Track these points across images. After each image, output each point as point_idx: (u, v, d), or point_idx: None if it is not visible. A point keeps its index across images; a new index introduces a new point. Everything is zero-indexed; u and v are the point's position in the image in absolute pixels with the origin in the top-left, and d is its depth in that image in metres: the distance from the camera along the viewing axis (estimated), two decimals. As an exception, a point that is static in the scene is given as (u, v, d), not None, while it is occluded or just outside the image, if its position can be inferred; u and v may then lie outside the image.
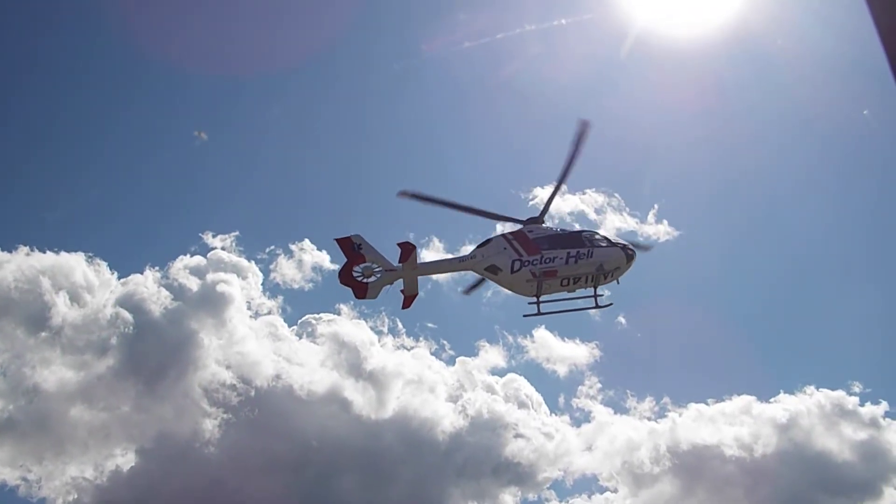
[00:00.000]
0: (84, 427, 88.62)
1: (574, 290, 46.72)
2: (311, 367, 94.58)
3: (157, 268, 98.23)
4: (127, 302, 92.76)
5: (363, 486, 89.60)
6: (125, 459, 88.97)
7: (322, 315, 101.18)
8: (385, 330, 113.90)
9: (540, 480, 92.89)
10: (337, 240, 48.40)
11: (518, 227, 47.82)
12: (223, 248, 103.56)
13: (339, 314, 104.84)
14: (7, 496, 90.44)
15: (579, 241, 46.49)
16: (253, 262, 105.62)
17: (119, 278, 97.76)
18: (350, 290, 47.59)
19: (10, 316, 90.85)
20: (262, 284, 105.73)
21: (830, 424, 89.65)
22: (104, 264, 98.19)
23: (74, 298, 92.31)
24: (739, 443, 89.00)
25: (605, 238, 46.85)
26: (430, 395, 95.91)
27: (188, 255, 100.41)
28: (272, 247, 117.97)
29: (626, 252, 46.47)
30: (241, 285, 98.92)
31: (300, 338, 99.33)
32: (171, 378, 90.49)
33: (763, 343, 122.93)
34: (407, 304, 47.83)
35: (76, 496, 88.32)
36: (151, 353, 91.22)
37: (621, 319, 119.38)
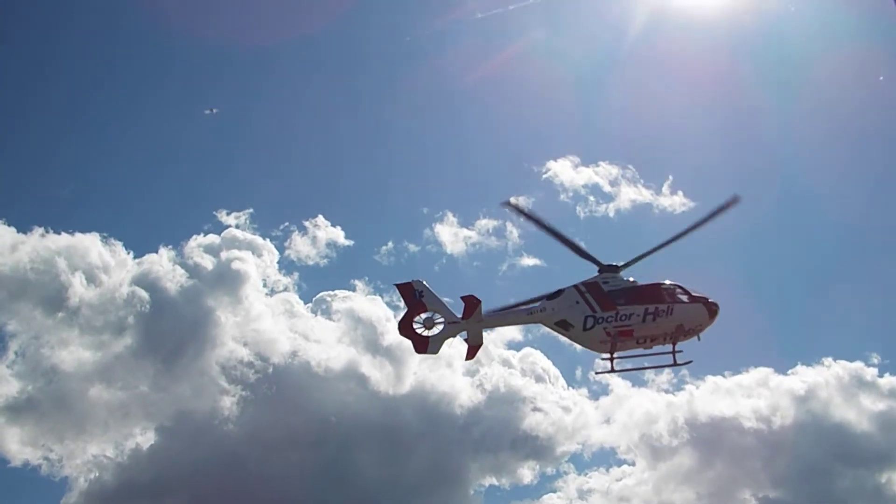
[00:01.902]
0: (103, 406, 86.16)
1: (651, 347, 42.55)
2: (328, 343, 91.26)
3: (171, 247, 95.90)
4: (143, 281, 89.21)
5: (381, 462, 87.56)
6: (145, 438, 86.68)
7: (337, 292, 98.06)
8: (401, 305, 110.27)
9: (558, 454, 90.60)
10: (397, 285, 43.97)
11: (593, 273, 43.31)
12: (237, 226, 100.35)
13: (354, 290, 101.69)
14: (30, 475, 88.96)
15: (658, 296, 41.97)
16: (268, 239, 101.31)
17: (134, 258, 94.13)
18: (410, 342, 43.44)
19: (27, 297, 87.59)
20: (278, 263, 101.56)
21: (849, 396, 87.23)
22: (119, 244, 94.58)
23: (90, 279, 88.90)
24: (757, 415, 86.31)
25: (686, 291, 42.36)
26: (448, 370, 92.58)
27: (202, 235, 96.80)
28: (286, 223, 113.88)
29: (708, 308, 42.08)
30: (257, 263, 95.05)
31: (316, 315, 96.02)
32: (189, 356, 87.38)
33: (780, 315, 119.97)
34: (471, 355, 43.50)
35: (97, 474, 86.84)
36: (168, 331, 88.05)
37: None
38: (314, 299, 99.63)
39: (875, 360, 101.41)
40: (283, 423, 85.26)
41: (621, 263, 43.18)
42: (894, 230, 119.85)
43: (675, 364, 42.28)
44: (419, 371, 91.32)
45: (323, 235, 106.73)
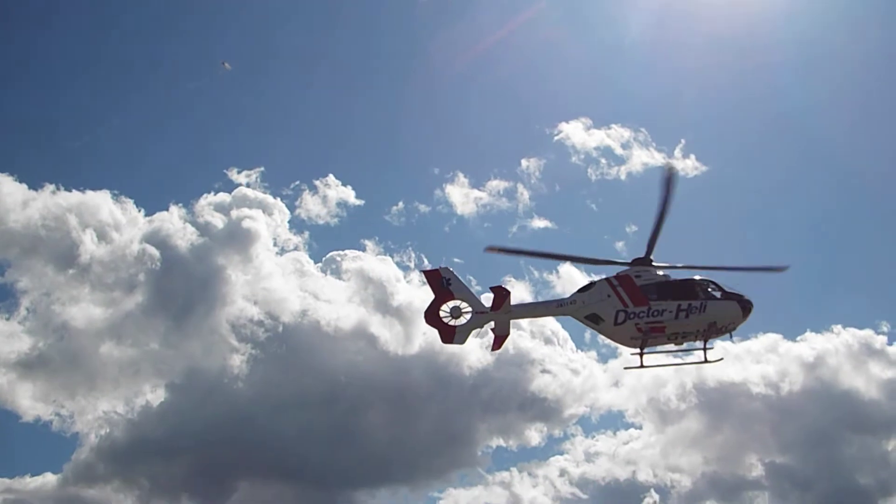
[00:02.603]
0: (114, 363, 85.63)
1: (681, 344, 41.21)
2: (338, 303, 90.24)
3: (181, 205, 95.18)
4: (153, 238, 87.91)
5: (390, 421, 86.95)
6: (155, 395, 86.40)
7: (347, 252, 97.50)
8: (411, 265, 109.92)
9: (566, 416, 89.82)
10: (424, 272, 42.73)
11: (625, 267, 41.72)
12: (248, 185, 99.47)
13: (364, 250, 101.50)
14: (41, 430, 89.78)
15: (692, 292, 40.36)
16: (278, 198, 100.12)
17: (145, 216, 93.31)
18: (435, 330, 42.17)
19: (38, 254, 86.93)
20: (289, 222, 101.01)
21: (858, 363, 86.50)
22: (130, 201, 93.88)
23: (101, 236, 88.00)
24: (766, 381, 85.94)
25: (720, 288, 40.81)
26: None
27: (213, 193, 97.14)
28: (297, 182, 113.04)
29: (742, 305, 40.50)
30: (267, 222, 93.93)
31: (326, 274, 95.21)
32: (199, 314, 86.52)
33: (790, 281, 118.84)
34: (497, 345, 42.19)
35: (108, 430, 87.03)
36: (179, 289, 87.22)
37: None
38: (324, 259, 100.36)
39: (884, 328, 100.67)
40: (293, 382, 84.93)
41: (654, 259, 41.51)
42: None
43: (706, 361, 40.89)
44: (428, 332, 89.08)
45: (333, 195, 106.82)
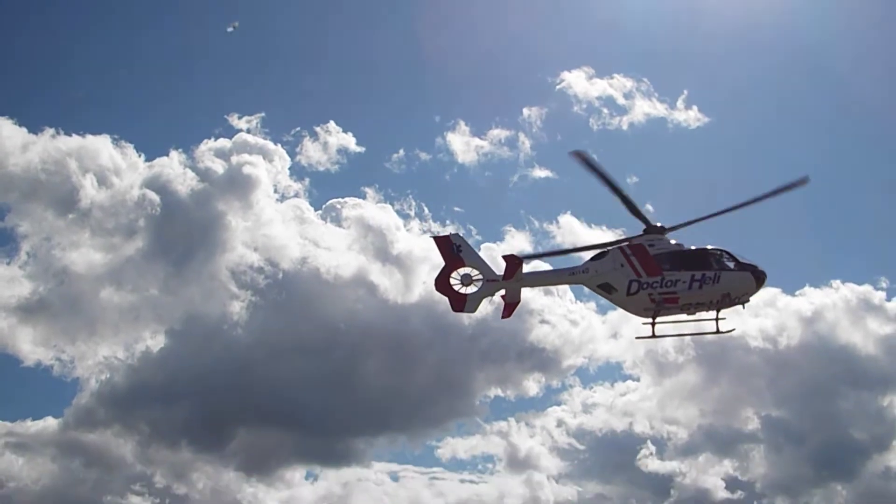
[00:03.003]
0: (114, 309, 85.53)
1: (694, 314, 40.57)
2: (338, 250, 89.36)
3: (181, 150, 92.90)
4: (153, 184, 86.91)
5: (389, 369, 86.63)
6: (155, 341, 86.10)
7: (347, 199, 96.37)
8: (412, 214, 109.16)
9: (564, 367, 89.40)
10: (434, 238, 41.68)
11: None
12: (248, 131, 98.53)
13: (364, 198, 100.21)
14: (42, 375, 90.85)
15: (706, 262, 39.62)
16: (279, 144, 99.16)
17: (145, 161, 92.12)
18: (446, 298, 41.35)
19: (38, 198, 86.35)
20: (289, 169, 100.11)
21: (856, 318, 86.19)
22: (130, 146, 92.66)
23: (101, 181, 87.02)
24: (764, 334, 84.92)
25: (734, 258, 40.05)
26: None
27: (213, 139, 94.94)
28: (298, 128, 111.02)
29: (756, 276, 39.81)
30: (268, 168, 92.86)
31: (325, 221, 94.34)
32: (199, 260, 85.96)
33: (790, 235, 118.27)
34: (507, 313, 41.56)
35: (108, 375, 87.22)
36: (179, 235, 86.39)
37: (649, 207, 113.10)
38: (324, 206, 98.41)
39: (883, 284, 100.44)
40: (292, 329, 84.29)
41: (668, 226, 40.69)
42: None
43: (717, 332, 40.36)
44: (428, 280, 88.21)
45: (334, 142, 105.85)
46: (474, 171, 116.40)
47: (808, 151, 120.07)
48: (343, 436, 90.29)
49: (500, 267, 40.86)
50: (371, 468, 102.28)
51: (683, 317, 40.77)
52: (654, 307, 39.60)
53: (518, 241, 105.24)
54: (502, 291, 40.84)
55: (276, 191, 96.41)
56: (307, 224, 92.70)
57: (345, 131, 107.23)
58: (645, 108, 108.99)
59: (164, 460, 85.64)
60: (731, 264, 39.80)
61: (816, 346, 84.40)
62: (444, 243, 41.00)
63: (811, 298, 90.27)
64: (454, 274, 40.78)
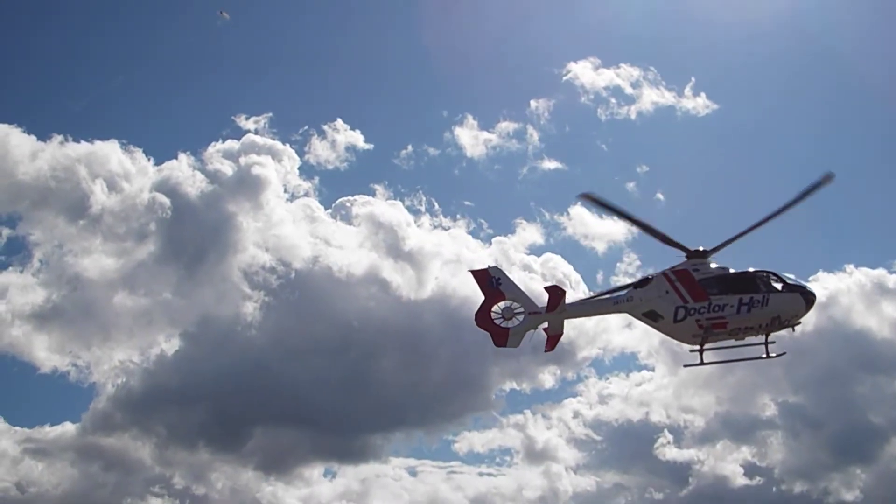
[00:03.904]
0: (128, 313, 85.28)
1: (743, 339, 38.86)
2: (349, 248, 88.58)
3: (190, 153, 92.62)
4: (163, 187, 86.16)
5: (404, 366, 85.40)
6: (170, 344, 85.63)
7: (357, 197, 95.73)
8: (422, 209, 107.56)
9: (579, 359, 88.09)
10: (472, 272, 39.94)
11: (681, 260, 39.10)
12: (256, 131, 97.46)
13: (374, 195, 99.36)
14: (58, 381, 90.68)
15: (753, 285, 37.91)
16: (287, 144, 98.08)
17: (155, 165, 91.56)
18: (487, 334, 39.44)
19: (48, 206, 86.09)
20: (298, 168, 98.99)
21: (870, 303, 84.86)
22: (139, 150, 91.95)
23: (111, 186, 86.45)
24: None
25: (781, 279, 38.31)
26: (469, 275, 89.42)
27: (221, 141, 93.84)
28: (305, 127, 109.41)
29: (805, 298, 38.05)
30: (276, 168, 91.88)
31: (336, 220, 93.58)
32: (211, 262, 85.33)
33: (803, 221, 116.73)
34: (551, 346, 39.65)
35: (124, 380, 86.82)
36: (190, 237, 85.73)
37: (660, 196, 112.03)
38: (334, 205, 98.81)
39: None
40: (306, 328, 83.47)
41: (709, 249, 39.03)
42: None
43: (767, 356, 38.61)
44: (441, 276, 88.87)
45: (342, 139, 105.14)
46: (483, 165, 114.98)
47: (818, 136, 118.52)
48: (360, 432, 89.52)
49: (540, 298, 39.12)
50: (389, 464, 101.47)
51: (731, 342, 38.99)
52: (702, 333, 37.87)
53: (529, 234, 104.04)
54: (545, 324, 38.86)
55: (285, 190, 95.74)
56: (318, 223, 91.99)
57: (352, 129, 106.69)
58: (653, 96, 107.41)
59: (182, 462, 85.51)
60: (779, 286, 38.16)
61: (832, 331, 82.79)
62: (482, 277, 39.32)
63: (825, 283, 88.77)
64: (495, 308, 38.87)
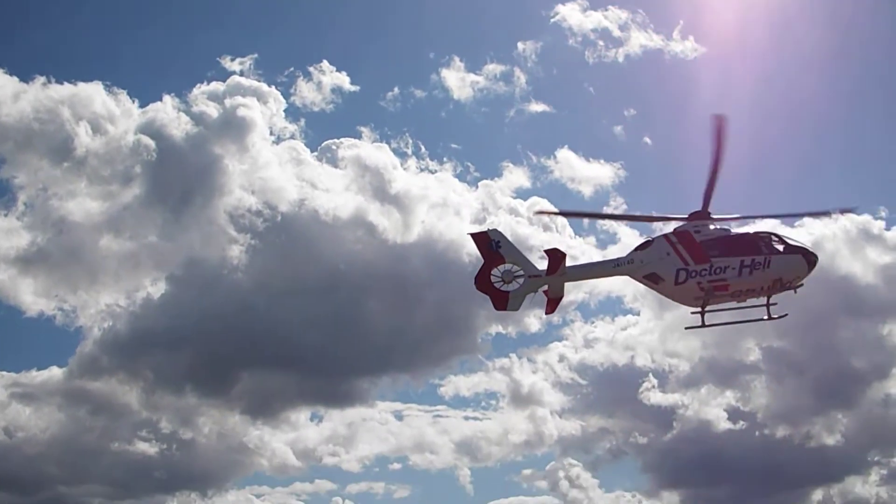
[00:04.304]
0: (114, 257, 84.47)
1: (744, 301, 38.35)
2: (336, 191, 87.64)
3: (174, 94, 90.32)
4: (148, 129, 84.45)
5: (391, 309, 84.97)
6: (156, 287, 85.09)
7: (343, 140, 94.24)
8: (409, 152, 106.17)
9: (564, 303, 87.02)
10: (472, 235, 39.05)
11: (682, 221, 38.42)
12: (241, 73, 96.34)
13: (360, 138, 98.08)
14: (45, 325, 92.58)
15: (755, 247, 37.32)
16: (273, 86, 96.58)
17: (139, 107, 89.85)
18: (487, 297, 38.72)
19: (32, 148, 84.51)
20: (284, 111, 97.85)
21: (855, 248, 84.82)
22: (123, 92, 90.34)
23: (96, 128, 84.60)
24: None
25: (783, 240, 37.76)
26: (455, 218, 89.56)
27: (206, 83, 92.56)
28: (291, 69, 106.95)
29: (807, 259, 37.69)
30: (262, 110, 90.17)
31: (322, 162, 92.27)
32: (197, 205, 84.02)
33: (789, 165, 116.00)
34: (551, 308, 39.17)
35: (111, 323, 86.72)
36: (175, 180, 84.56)
37: (647, 140, 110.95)
38: (320, 147, 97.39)
39: (882, 214, 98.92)
40: (292, 271, 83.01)
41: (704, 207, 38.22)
42: None
43: (769, 318, 38.20)
44: (427, 219, 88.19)
45: (328, 81, 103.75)
46: (470, 108, 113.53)
47: (807, 81, 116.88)
48: (346, 376, 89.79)
49: (539, 260, 38.68)
50: (375, 408, 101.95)
51: (733, 304, 38.52)
52: (703, 296, 37.30)
53: (516, 177, 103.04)
54: (545, 287, 38.12)
55: (271, 133, 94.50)
56: (304, 166, 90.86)
57: (339, 71, 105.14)
58: (641, 39, 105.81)
59: (169, 406, 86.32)
60: (781, 247, 37.61)
61: (816, 276, 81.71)
62: (481, 239, 38.32)
63: (811, 229, 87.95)
64: (495, 271, 37.94)
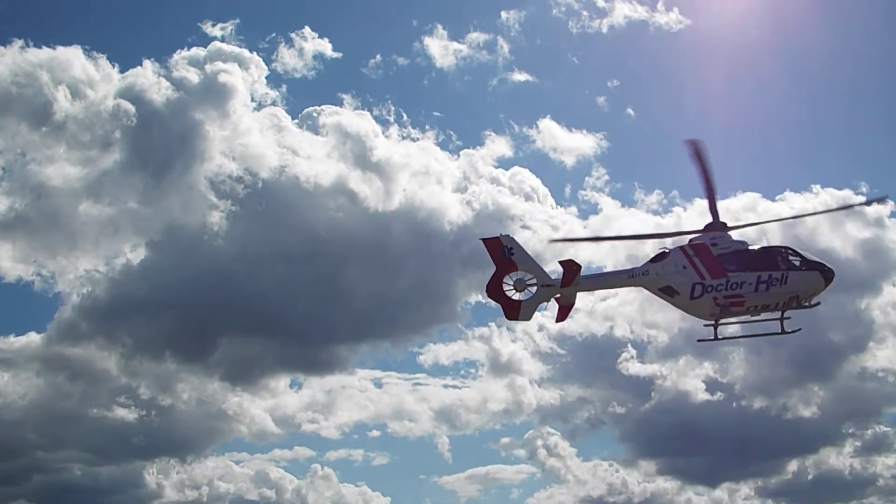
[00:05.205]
0: (93, 222, 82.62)
1: (758, 315, 37.45)
2: (317, 158, 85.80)
3: (154, 59, 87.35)
4: (128, 94, 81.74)
5: (371, 277, 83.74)
6: (135, 254, 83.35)
7: (324, 107, 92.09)
8: (391, 120, 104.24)
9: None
10: (483, 240, 37.65)
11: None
12: (222, 38, 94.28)
13: (341, 105, 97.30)
14: (23, 291, 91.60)
15: (772, 262, 36.41)
16: (255, 52, 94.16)
17: (119, 72, 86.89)
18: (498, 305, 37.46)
19: (10, 113, 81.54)
20: (266, 77, 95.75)
21: (835, 223, 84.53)
22: (103, 57, 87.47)
23: (75, 93, 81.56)
24: (744, 238, 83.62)
25: (799, 255, 36.81)
26: (437, 187, 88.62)
27: (186, 48, 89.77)
28: (273, 34, 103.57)
29: (824, 275, 36.83)
30: (243, 76, 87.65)
31: (303, 129, 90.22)
32: (177, 171, 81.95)
33: (771, 140, 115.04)
34: (562, 316, 38.09)
35: (90, 289, 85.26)
36: (156, 145, 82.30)
37: (630, 111, 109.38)
38: (301, 114, 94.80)
39: (863, 189, 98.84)
40: (273, 238, 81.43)
41: (730, 224, 37.56)
42: (888, 59, 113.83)
43: (783, 332, 37.30)
44: (409, 187, 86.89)
45: (310, 48, 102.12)
46: (453, 76, 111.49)
47: (790, 54, 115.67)
48: (326, 344, 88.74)
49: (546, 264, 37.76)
50: (355, 375, 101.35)
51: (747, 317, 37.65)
52: (718, 311, 36.33)
53: (498, 146, 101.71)
54: (557, 295, 36.86)
55: (252, 99, 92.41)
56: (285, 132, 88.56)
57: (321, 37, 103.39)
58: (625, 10, 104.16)
59: (148, 372, 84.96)
60: (798, 262, 36.55)
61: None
62: (494, 246, 37.00)
63: (791, 203, 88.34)
64: (507, 279, 36.70)
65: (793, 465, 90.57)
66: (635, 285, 37.68)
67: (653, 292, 37.34)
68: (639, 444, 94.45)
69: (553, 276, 36.86)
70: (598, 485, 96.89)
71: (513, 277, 36.84)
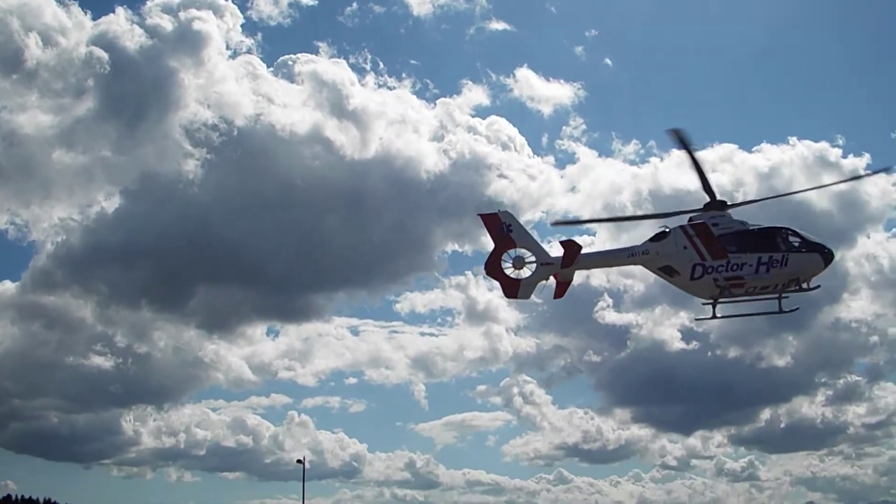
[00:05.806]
0: (67, 170, 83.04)
1: (757, 295, 36.95)
2: (293, 106, 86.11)
3: (126, 6, 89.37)
4: (101, 41, 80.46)
5: (348, 226, 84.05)
6: (110, 202, 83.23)
7: (300, 55, 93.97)
8: (367, 68, 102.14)
9: (522, 222, 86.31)
10: (482, 216, 37.01)
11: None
12: None
13: (317, 53, 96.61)
14: None
15: (773, 244, 35.96)
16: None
17: (92, 19, 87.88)
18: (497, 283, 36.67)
19: None
20: (241, 25, 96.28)
21: (812, 175, 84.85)
22: (74, 4, 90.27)
23: (46, 40, 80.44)
24: (720, 190, 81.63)
25: (800, 236, 36.28)
26: (414, 135, 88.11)
27: None
28: None
29: (824, 257, 36.39)
30: (218, 24, 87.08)
31: (279, 77, 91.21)
32: (151, 119, 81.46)
33: (748, 92, 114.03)
34: (560, 293, 37.49)
35: (64, 237, 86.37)
36: (129, 93, 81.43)
37: (608, 61, 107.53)
38: (276, 63, 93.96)
39: (840, 142, 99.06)
40: (249, 186, 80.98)
41: (730, 202, 37.06)
42: (869, 14, 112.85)
43: (780, 312, 36.82)
44: (385, 136, 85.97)
45: None
46: (430, 24, 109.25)
47: (770, 7, 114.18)
48: (303, 292, 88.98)
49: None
50: (331, 323, 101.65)
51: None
52: (718, 292, 35.74)
53: (475, 95, 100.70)
54: (555, 272, 36.20)
55: (227, 47, 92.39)
56: (260, 80, 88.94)
57: None
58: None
59: (124, 320, 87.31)
60: (798, 243, 36.03)
61: (772, 201, 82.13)
62: (492, 222, 36.15)
63: (768, 155, 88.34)
64: (505, 255, 35.94)
65: (766, 414, 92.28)
66: (635, 264, 37.13)
67: (652, 271, 36.99)
68: (614, 392, 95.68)
69: (552, 256, 36.07)
70: (573, 432, 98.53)
71: (511, 255, 36.12)
